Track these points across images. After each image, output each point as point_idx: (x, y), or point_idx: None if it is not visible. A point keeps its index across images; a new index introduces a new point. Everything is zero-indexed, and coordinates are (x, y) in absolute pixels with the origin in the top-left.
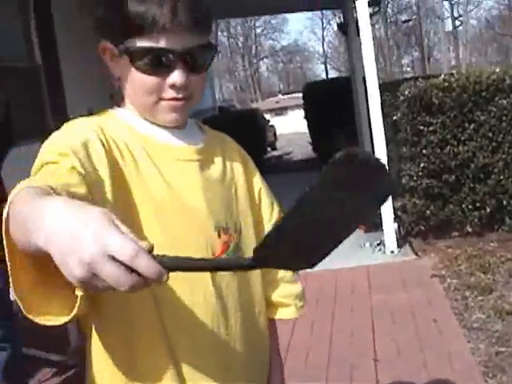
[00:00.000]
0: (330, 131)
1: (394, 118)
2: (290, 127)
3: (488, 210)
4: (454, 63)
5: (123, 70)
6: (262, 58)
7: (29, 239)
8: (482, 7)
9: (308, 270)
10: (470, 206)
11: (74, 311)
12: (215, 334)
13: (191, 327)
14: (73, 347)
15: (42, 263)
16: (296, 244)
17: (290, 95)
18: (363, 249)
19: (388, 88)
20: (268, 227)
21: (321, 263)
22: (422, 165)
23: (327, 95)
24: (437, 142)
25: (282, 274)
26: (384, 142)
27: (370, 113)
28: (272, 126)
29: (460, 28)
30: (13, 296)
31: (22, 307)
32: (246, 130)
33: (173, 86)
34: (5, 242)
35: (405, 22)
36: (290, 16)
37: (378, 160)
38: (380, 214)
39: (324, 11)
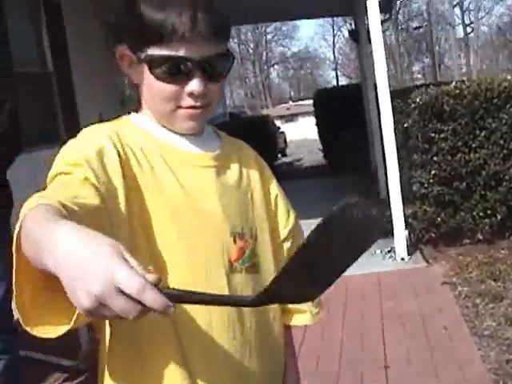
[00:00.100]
0: (341, 138)
1: (405, 125)
2: (301, 134)
3: (499, 217)
4: (464, 70)
5: (141, 77)
6: (273, 65)
7: (40, 259)
8: (493, 14)
9: None
10: (481, 214)
11: (71, 323)
12: (231, 339)
13: (206, 332)
14: (84, 351)
15: (49, 275)
16: (299, 283)
17: (300, 102)
18: (374, 256)
19: (399, 95)
20: (284, 233)
21: None
22: (433, 172)
23: (338, 102)
24: (448, 149)
25: None
26: (395, 149)
27: (381, 120)
28: (282, 133)
29: (471, 35)
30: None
31: (20, 319)
32: (256, 136)
33: (191, 95)
34: (14, 255)
35: (416, 28)
36: (300, 22)
37: (375, 206)
38: (391, 220)
39: (335, 18)
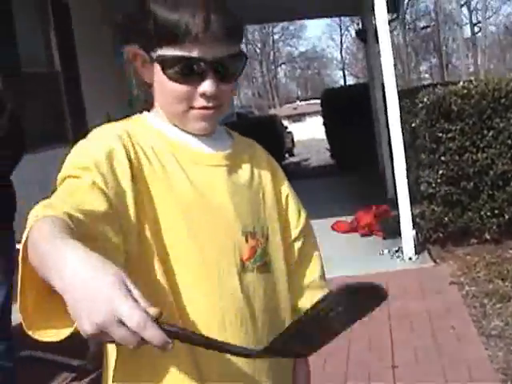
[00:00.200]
0: (348, 138)
1: (413, 124)
2: (308, 133)
3: (506, 217)
4: (472, 70)
5: (154, 76)
6: (280, 65)
7: (46, 275)
8: (500, 13)
9: (326, 277)
10: (489, 213)
11: (74, 326)
12: (244, 338)
13: (219, 331)
14: (92, 351)
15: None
16: (301, 341)
17: (307, 102)
18: (381, 255)
19: (406, 95)
20: (295, 233)
21: (339, 270)
22: (440, 172)
23: (345, 102)
24: (455, 149)
25: (309, 280)
26: (402, 149)
27: (389, 119)
28: (290, 133)
29: (478, 34)
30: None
31: (23, 323)
32: (263, 136)
33: (203, 95)
34: (20, 263)
35: (423, 28)
36: (308, 22)
37: (377, 289)
38: (398, 220)
39: (342, 17)
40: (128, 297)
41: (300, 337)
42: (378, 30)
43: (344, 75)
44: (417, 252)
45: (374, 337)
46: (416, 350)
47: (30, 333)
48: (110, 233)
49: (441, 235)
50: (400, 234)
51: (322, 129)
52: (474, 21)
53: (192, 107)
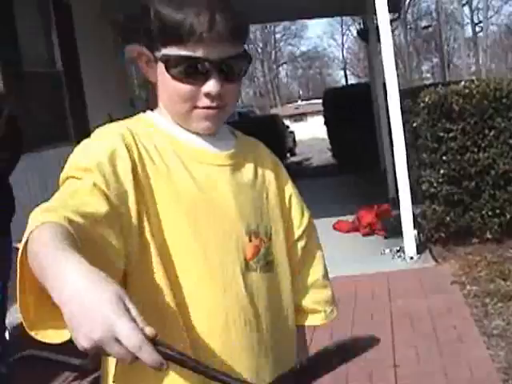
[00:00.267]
0: (350, 137)
1: (414, 124)
2: (310, 133)
3: (508, 216)
4: (473, 69)
5: (158, 76)
6: (282, 64)
7: (45, 284)
8: (502, 13)
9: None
10: (490, 213)
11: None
12: (248, 337)
13: (223, 330)
14: None
15: None
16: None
17: (309, 101)
18: (383, 255)
19: (408, 94)
20: (298, 233)
21: (341, 269)
22: (442, 171)
23: (347, 101)
24: (457, 149)
25: (313, 279)
26: (404, 148)
27: (390, 119)
28: (291, 132)
29: (480, 34)
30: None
31: (24, 323)
32: (265, 135)
33: (208, 95)
34: (18, 265)
35: (425, 28)
36: (309, 22)
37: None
38: (400, 220)
39: (344, 17)
40: (126, 316)
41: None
42: (380, 29)
43: (345, 75)
44: (418, 251)
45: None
46: (417, 350)
47: (32, 333)
48: (110, 236)
49: (442, 235)
50: (401, 234)
51: (324, 128)
52: (476, 20)
53: (196, 107)
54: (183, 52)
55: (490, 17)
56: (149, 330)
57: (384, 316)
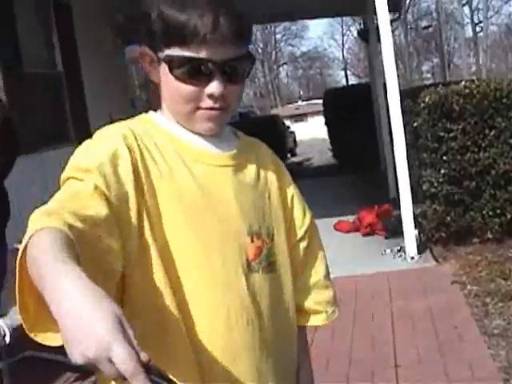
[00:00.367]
0: (350, 137)
1: (415, 124)
2: (310, 133)
3: (508, 216)
4: (474, 69)
5: (161, 76)
6: (282, 65)
7: (43, 293)
8: (502, 13)
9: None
10: (491, 213)
11: None
12: (249, 338)
13: (226, 331)
14: None
15: None
16: None
17: (309, 101)
18: (384, 255)
19: (409, 94)
20: (300, 233)
21: (342, 269)
22: (442, 171)
23: (347, 101)
24: (457, 149)
25: (315, 279)
26: (404, 149)
27: (391, 119)
28: (292, 133)
29: (480, 34)
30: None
31: (23, 324)
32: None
33: (211, 96)
34: (17, 268)
35: (425, 28)
36: (309, 22)
37: None
38: (401, 220)
39: (344, 17)
40: (123, 338)
41: None
42: (380, 29)
43: (346, 75)
44: (419, 251)
45: (377, 336)
46: (418, 350)
47: (31, 335)
48: (110, 238)
49: (443, 235)
50: (402, 234)
51: (324, 129)
52: (476, 20)
53: (199, 108)
54: (186, 53)
55: (490, 17)
56: (143, 356)
57: (385, 316)
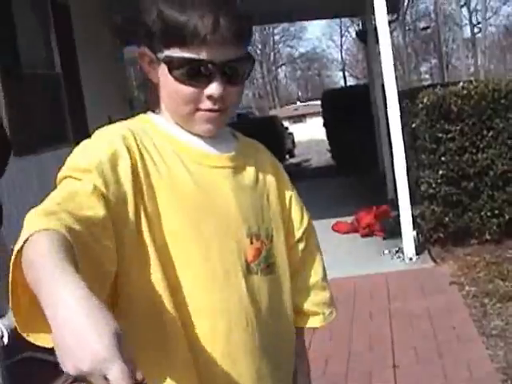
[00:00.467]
0: (349, 139)
1: (413, 125)
2: (309, 134)
3: (507, 217)
4: (472, 70)
5: (160, 77)
6: (281, 66)
7: (39, 296)
8: (500, 14)
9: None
10: (489, 214)
11: None
12: (248, 339)
13: (225, 333)
14: None
15: None
16: None
17: (308, 102)
18: (382, 256)
19: (407, 95)
20: (298, 234)
21: (340, 271)
22: (440, 172)
23: (346, 102)
24: (455, 150)
25: (313, 281)
26: (403, 150)
27: (389, 120)
28: (290, 134)
29: (478, 35)
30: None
31: (16, 324)
32: (264, 137)
33: (210, 97)
34: (11, 268)
35: (423, 29)
36: (308, 23)
37: None
38: (399, 221)
39: (342, 18)
40: (119, 356)
41: None
42: (378, 30)
43: (344, 76)
44: (417, 252)
45: (375, 337)
46: (417, 350)
47: (24, 335)
48: (107, 240)
49: (441, 235)
50: (400, 235)
51: (323, 130)
52: (474, 21)
53: (198, 109)
54: (186, 54)
55: (489, 18)
56: (138, 375)
57: (383, 317)
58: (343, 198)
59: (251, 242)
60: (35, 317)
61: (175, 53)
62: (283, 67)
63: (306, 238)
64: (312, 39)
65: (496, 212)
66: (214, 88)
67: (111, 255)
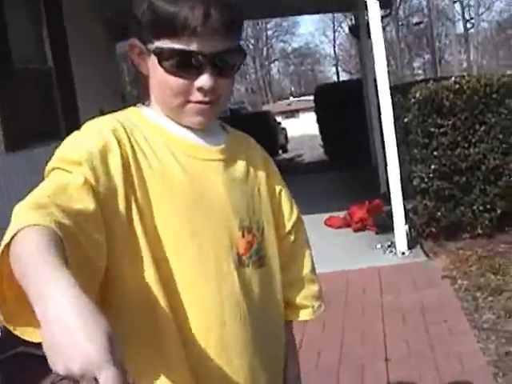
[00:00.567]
0: (342, 133)
1: (405, 120)
2: (302, 129)
3: (498, 211)
4: (465, 66)
5: (150, 68)
6: (274, 61)
7: (27, 292)
8: (493, 10)
9: (319, 272)
10: (481, 208)
11: None
12: (241, 332)
13: (218, 326)
14: None
15: None
16: None
17: (301, 98)
18: (374, 250)
19: (399, 90)
20: (288, 227)
21: (332, 265)
22: (432, 167)
23: (339, 98)
24: (448, 144)
25: (302, 274)
26: (395, 144)
27: (381, 115)
28: (283, 129)
29: (471, 30)
30: None
31: (3, 317)
32: (257, 132)
33: (200, 89)
34: None
35: (416, 24)
36: (301, 18)
37: None
38: (391, 215)
39: (335, 13)
40: (111, 358)
41: None
42: (371, 25)
43: (337, 71)
44: (409, 247)
45: (367, 330)
46: (409, 343)
47: (10, 328)
48: (96, 234)
49: (433, 230)
50: (393, 229)
51: (316, 125)
52: (467, 17)
53: (188, 101)
54: (176, 45)
55: (481, 13)
56: (129, 379)
57: (375, 310)
58: (336, 193)
59: (243, 235)
60: (22, 311)
61: (165, 44)
62: (276, 62)
63: (295, 232)
64: (305, 34)
65: (488, 206)
66: (204, 80)
67: (101, 250)
